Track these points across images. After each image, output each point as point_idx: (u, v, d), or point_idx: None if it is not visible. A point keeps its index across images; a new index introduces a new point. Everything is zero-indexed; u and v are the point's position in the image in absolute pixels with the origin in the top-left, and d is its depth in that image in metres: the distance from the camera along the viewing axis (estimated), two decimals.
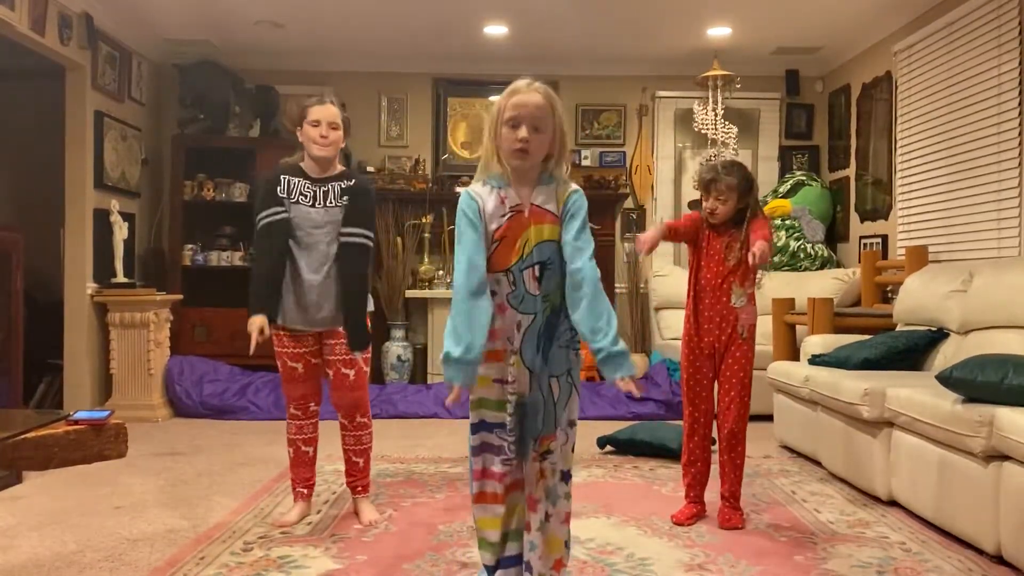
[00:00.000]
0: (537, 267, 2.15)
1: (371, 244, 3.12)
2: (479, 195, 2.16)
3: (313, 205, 3.07)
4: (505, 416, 2.15)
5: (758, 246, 2.93)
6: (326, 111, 3.07)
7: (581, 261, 2.11)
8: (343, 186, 3.10)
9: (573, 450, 2.24)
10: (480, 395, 2.18)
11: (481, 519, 2.24)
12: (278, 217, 3.05)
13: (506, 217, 2.15)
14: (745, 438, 3.20)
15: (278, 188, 3.08)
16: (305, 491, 3.22)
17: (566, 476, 2.22)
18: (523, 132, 2.11)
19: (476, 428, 2.21)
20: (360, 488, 3.26)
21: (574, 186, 2.24)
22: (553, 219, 2.18)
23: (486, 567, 2.27)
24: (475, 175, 2.25)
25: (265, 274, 3.04)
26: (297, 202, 3.07)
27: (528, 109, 2.12)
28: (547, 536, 2.20)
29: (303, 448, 3.21)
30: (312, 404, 3.20)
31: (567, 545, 2.26)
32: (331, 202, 3.09)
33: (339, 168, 3.17)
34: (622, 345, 2.05)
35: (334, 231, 3.06)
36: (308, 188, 3.09)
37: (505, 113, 2.15)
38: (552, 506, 2.20)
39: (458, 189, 6.58)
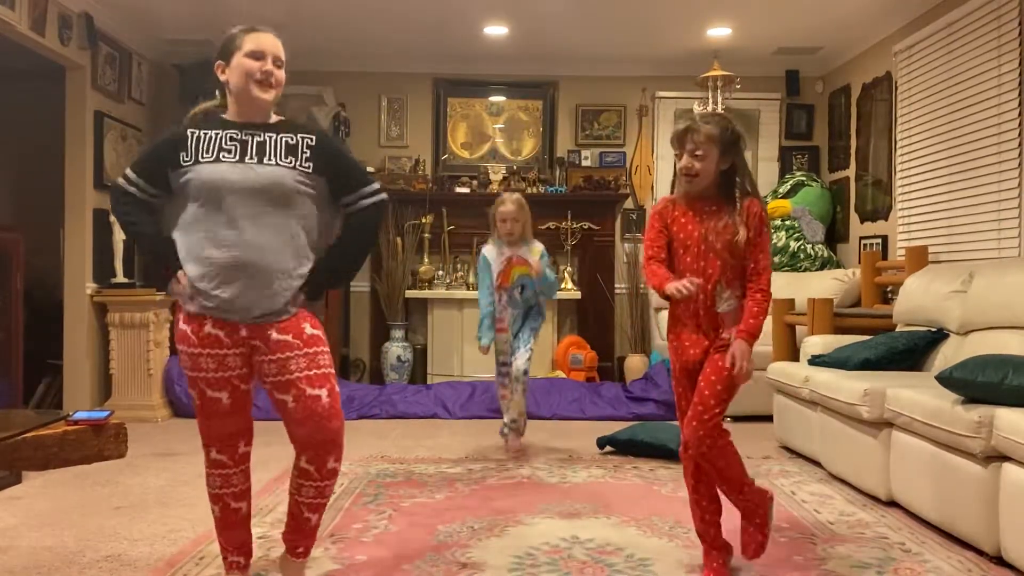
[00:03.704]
0: (520, 288, 4.33)
1: (385, 198, 2.45)
2: (491, 254, 4.37)
3: (242, 160, 2.26)
4: (508, 356, 4.35)
5: (737, 351, 2.40)
6: (269, 41, 2.34)
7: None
8: (290, 143, 2.30)
9: (528, 360, 4.34)
10: (497, 347, 4.39)
11: (504, 405, 4.41)
12: (140, 195, 2.33)
13: (502, 262, 4.31)
14: (725, 446, 2.52)
15: (179, 155, 2.28)
16: (241, 560, 2.45)
17: (525, 372, 4.30)
18: (508, 226, 4.27)
19: (499, 364, 4.41)
20: (302, 550, 2.45)
21: (542, 248, 4.36)
22: (525, 263, 4.27)
23: (507, 425, 4.43)
24: (490, 238, 4.44)
25: (159, 250, 2.34)
26: (217, 159, 2.26)
27: (509, 213, 4.27)
28: (518, 400, 4.33)
29: (233, 505, 2.40)
30: (242, 444, 2.38)
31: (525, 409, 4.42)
32: (269, 158, 2.27)
33: (275, 118, 2.38)
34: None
35: (278, 198, 2.26)
36: (232, 140, 2.28)
37: (497, 216, 4.29)
38: (520, 387, 4.31)
39: (458, 189, 6.61)
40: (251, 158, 2.28)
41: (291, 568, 2.46)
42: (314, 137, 2.35)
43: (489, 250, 4.36)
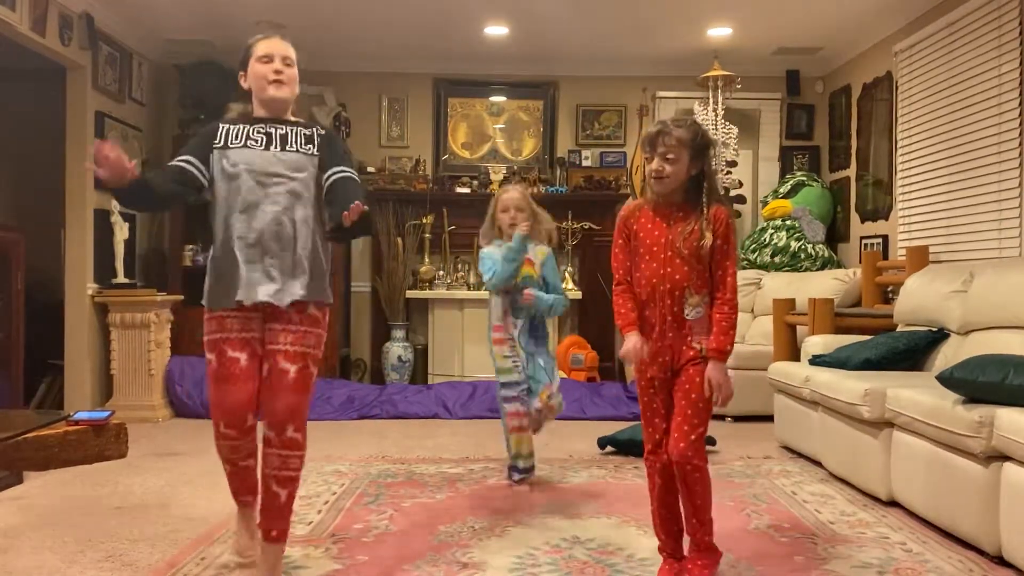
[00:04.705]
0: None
1: (355, 176, 2.62)
2: (493, 251, 3.66)
3: (267, 148, 2.51)
4: (515, 376, 3.63)
5: (713, 376, 2.39)
6: (277, 44, 2.56)
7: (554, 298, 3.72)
8: (307, 133, 2.58)
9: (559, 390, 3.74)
10: (499, 366, 3.65)
11: (518, 439, 3.66)
12: (186, 167, 2.50)
13: None
14: (705, 471, 2.46)
15: (213, 140, 2.53)
16: (250, 498, 2.65)
17: (561, 405, 3.74)
18: (511, 216, 3.62)
19: (502, 386, 3.65)
20: (276, 533, 2.48)
21: (549, 249, 3.75)
22: (531, 265, 3.67)
23: (524, 470, 3.72)
24: (483, 236, 3.75)
25: (156, 180, 2.51)
26: (245, 145, 2.51)
27: (513, 201, 3.64)
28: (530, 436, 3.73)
29: (242, 464, 2.58)
30: (250, 417, 2.47)
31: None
32: (291, 146, 2.53)
33: (295, 118, 2.65)
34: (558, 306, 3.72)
35: (297, 180, 2.51)
36: (259, 132, 2.53)
37: (499, 205, 3.67)
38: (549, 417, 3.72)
39: (459, 189, 6.59)
40: (275, 146, 2.53)
41: (268, 554, 2.49)
42: (324, 129, 2.65)
43: (490, 250, 3.68)
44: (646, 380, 2.51)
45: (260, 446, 2.51)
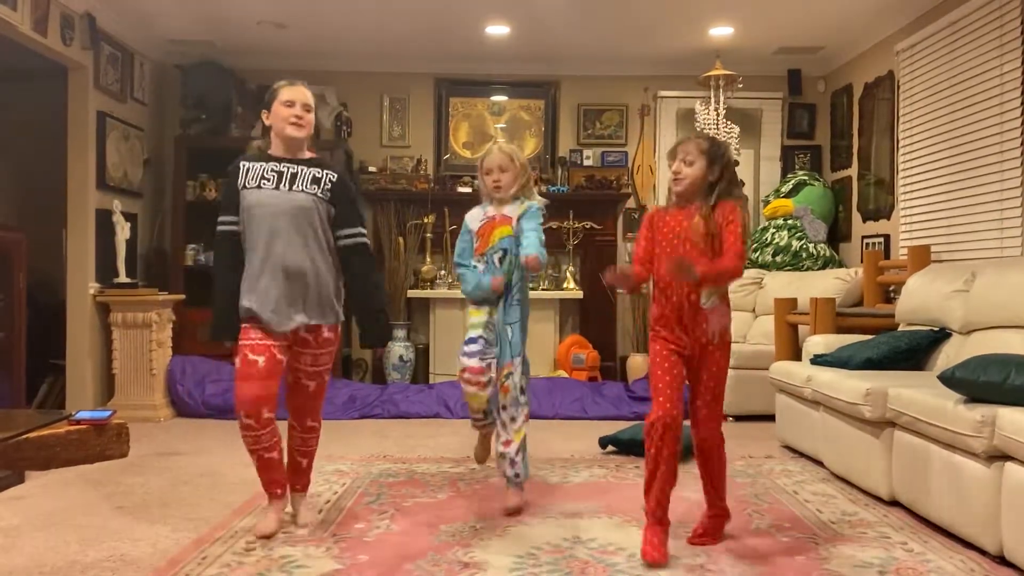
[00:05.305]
0: (501, 252, 3.30)
1: (368, 241, 3.08)
2: (472, 216, 3.43)
3: (277, 188, 2.91)
4: (484, 332, 3.29)
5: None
6: (299, 92, 2.98)
7: (526, 239, 3.23)
8: (317, 175, 2.95)
9: (527, 375, 3.33)
10: (472, 320, 3.35)
11: (471, 394, 3.32)
12: (230, 229, 2.96)
13: (482, 222, 3.36)
14: (723, 446, 2.90)
15: (237, 182, 2.95)
16: (279, 491, 3.05)
17: (523, 391, 3.30)
18: (494, 177, 3.32)
19: (467, 342, 3.32)
20: (299, 487, 3.18)
21: (535, 202, 3.35)
22: (510, 222, 3.31)
23: (480, 421, 3.45)
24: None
25: (229, 290, 2.93)
26: (259, 186, 2.92)
27: (495, 162, 3.32)
28: (513, 430, 3.28)
29: (266, 456, 2.95)
30: (266, 411, 2.87)
31: (525, 438, 3.33)
32: (299, 187, 2.92)
33: (309, 154, 3.04)
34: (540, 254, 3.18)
35: (303, 217, 2.90)
36: (272, 171, 2.93)
37: (482, 169, 3.37)
38: (516, 411, 3.28)
39: (460, 189, 6.61)
40: (285, 186, 2.92)
41: (297, 500, 3.17)
42: (336, 175, 3.00)
43: (472, 213, 3.46)
44: (668, 350, 2.74)
45: (285, 433, 3.00)
